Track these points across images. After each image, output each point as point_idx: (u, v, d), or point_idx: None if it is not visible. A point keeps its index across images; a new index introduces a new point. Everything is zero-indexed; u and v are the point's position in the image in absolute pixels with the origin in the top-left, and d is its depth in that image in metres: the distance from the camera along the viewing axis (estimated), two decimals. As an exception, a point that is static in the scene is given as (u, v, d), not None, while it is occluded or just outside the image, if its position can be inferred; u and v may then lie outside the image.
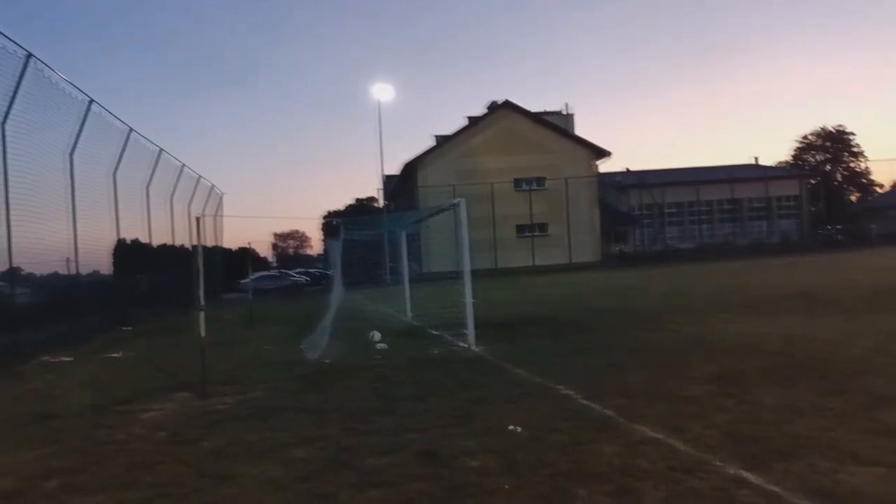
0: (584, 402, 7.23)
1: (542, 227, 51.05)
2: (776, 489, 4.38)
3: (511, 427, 6.29)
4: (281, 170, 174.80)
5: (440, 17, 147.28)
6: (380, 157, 61.16)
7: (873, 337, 10.19)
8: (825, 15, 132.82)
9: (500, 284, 30.01)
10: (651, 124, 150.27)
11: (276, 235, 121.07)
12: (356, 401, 8.13)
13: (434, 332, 14.05)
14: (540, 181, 51.23)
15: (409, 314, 17.07)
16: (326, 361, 11.26)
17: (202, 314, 9.57)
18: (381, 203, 66.61)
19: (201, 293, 9.94)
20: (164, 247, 27.14)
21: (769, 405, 6.60)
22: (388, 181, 56.73)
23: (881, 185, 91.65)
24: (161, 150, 26.74)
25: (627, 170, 68.35)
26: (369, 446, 6.06)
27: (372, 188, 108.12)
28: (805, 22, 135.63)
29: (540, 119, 52.93)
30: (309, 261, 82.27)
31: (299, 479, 5.29)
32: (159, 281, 26.08)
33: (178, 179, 29.80)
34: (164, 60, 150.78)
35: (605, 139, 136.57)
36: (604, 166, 54.81)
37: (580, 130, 58.24)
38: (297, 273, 52.65)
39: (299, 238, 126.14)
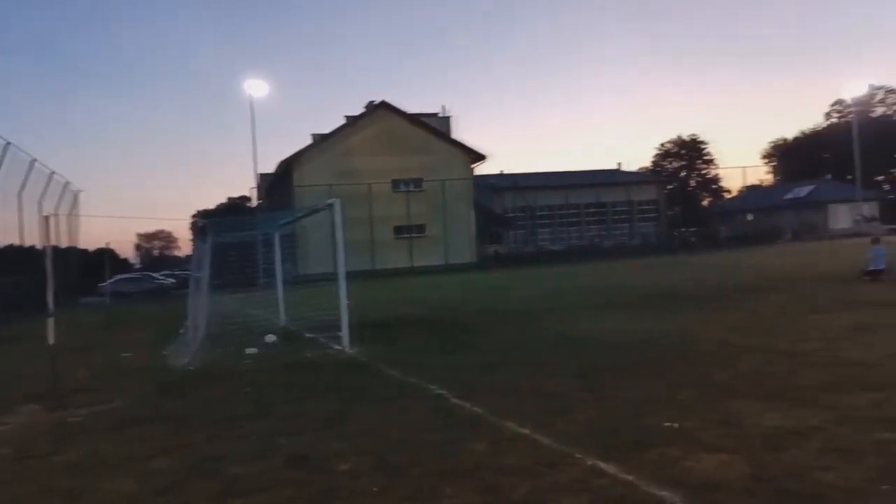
0: (456, 401, 7.34)
1: (420, 228, 51.40)
2: (630, 478, 4.63)
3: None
4: (151, 168, 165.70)
5: (316, 16, 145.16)
6: (253, 154, 59.22)
7: (721, 332, 11.02)
8: (687, 32, 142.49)
9: (377, 286, 29.96)
10: (526, 128, 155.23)
11: (141, 236, 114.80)
12: (224, 407, 7.85)
13: (309, 336, 13.81)
14: (418, 182, 51.55)
15: (283, 317, 16.68)
16: (192, 368, 10.79)
17: (51, 320, 8.91)
18: (255, 202, 64.68)
19: (51, 297, 9.25)
20: (11, 248, 25.02)
21: (628, 398, 6.97)
22: (264, 180, 55.15)
23: (730, 191, 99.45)
24: (8, 143, 24.67)
25: (502, 172, 70.22)
26: (237, 453, 5.87)
27: (246, 187, 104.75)
28: (668, 35, 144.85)
29: (417, 121, 53.27)
30: (176, 262, 78.54)
31: (157, 491, 5.04)
32: (5, 284, 24.02)
33: (27, 175, 27.57)
34: (23, 52, 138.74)
35: (482, 142, 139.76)
36: (480, 169, 56.03)
37: (460, 133, 59.22)
38: (162, 275, 50.03)
39: (165, 238, 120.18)
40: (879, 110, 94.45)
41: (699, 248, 51.53)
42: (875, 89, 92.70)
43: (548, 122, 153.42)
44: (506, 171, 70.25)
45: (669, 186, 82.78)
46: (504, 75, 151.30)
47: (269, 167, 56.03)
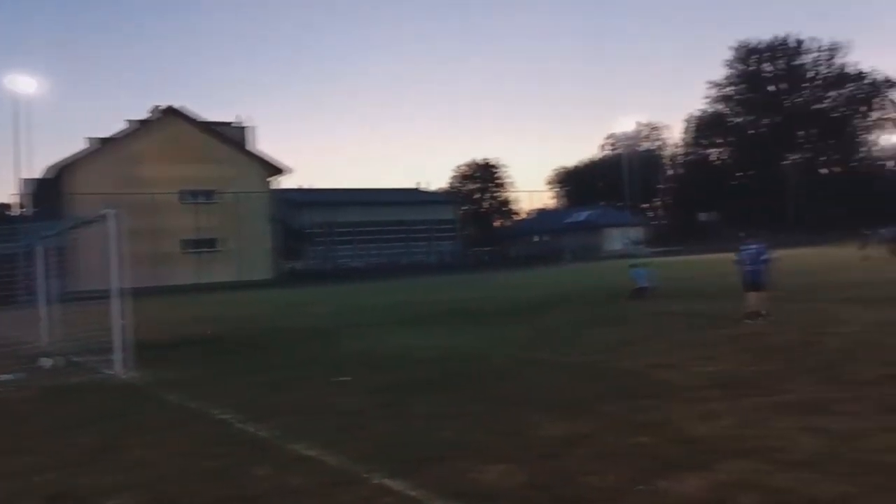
0: (241, 425, 6.94)
1: (211, 242, 48.85)
2: (416, 494, 4.62)
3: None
4: None
5: (100, 14, 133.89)
6: (15, 157, 52.75)
7: (509, 346, 11.57)
8: (487, 66, 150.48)
9: (163, 303, 27.90)
10: (328, 144, 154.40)
11: None
12: (-37, 444, 6.76)
13: (77, 359, 12.43)
14: (209, 194, 49.00)
15: (46, 339, 14.89)
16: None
17: None
18: (19, 210, 57.70)
19: None
20: None
21: (420, 413, 7.02)
22: (32, 186, 49.36)
23: (520, 213, 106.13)
24: None
25: (302, 188, 69.11)
26: (-21, 497, 5.05)
27: (6, 193, 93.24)
28: (471, 60, 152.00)
29: (210, 129, 50.67)
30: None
31: None
32: None
33: None
34: None
35: (284, 156, 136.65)
36: (279, 182, 54.65)
37: (263, 145, 57.30)
38: None
39: None
40: (645, 145, 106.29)
41: (492, 267, 54.25)
42: (642, 126, 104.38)
43: (350, 140, 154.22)
44: (306, 187, 69.32)
45: (465, 207, 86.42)
46: (307, 90, 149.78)
47: (40, 172, 50.40)
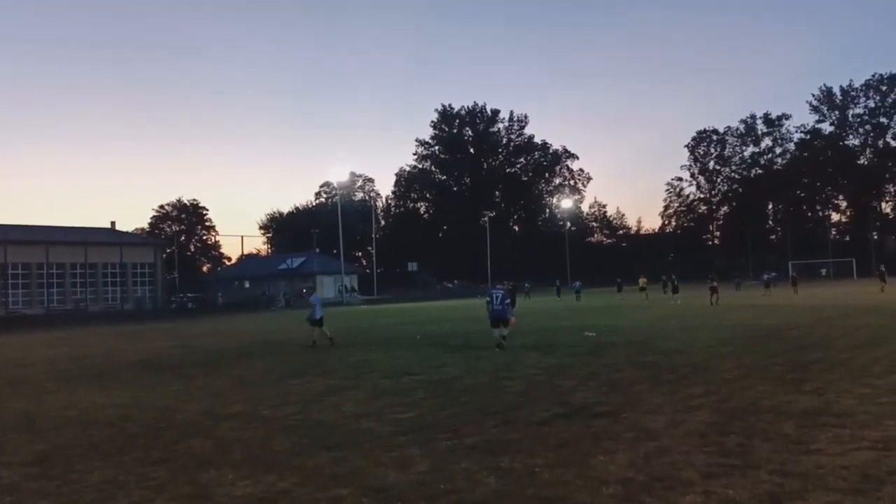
0: None
1: None
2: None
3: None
4: None
5: None
6: None
7: (205, 399, 10.77)
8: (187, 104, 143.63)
9: None
10: (6, 178, 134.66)
11: None
12: None
13: None
14: None
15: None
16: None
17: None
18: None
19: None
20: None
21: (93, 483, 6.19)
22: None
23: (230, 258, 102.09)
24: None
25: (-36, 221, 58.99)
26: None
27: None
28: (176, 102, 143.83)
29: None
30: None
31: None
32: None
33: None
34: None
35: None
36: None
37: None
38: None
39: None
40: (359, 195, 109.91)
41: (198, 314, 51.11)
42: (356, 176, 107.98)
43: (35, 173, 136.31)
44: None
45: (168, 250, 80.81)
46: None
47: None
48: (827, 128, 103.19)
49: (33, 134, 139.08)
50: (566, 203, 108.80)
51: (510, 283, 31.19)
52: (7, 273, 56.55)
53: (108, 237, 66.86)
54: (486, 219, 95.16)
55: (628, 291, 47.97)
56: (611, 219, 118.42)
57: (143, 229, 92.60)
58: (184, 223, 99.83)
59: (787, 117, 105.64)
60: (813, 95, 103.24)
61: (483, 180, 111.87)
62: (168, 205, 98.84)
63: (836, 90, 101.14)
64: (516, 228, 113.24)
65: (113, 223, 73.32)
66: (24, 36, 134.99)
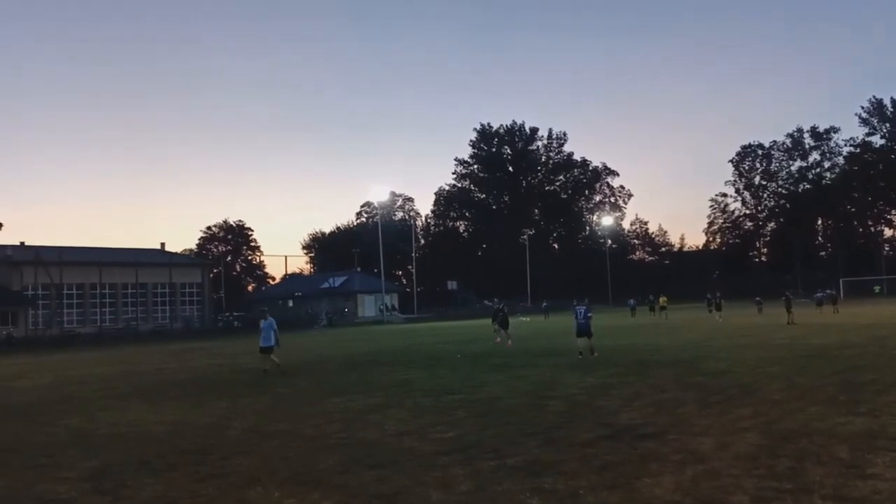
0: None
1: None
2: None
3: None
4: None
5: None
6: None
7: (251, 417, 10.94)
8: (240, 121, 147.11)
9: None
10: (57, 198, 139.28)
11: None
12: None
13: None
14: None
15: None
16: None
17: None
18: None
19: None
20: None
21: (144, 498, 6.33)
22: None
23: (274, 278, 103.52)
24: None
25: (22, 244, 61.18)
26: None
27: None
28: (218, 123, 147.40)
29: None
30: None
31: None
32: None
33: None
34: None
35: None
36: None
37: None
38: None
39: None
40: (399, 214, 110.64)
41: (243, 332, 51.91)
42: (396, 196, 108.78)
43: (83, 195, 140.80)
44: (28, 243, 61.50)
45: (215, 270, 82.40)
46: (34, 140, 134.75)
47: None
48: (878, 140, 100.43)
49: (89, 159, 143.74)
50: (607, 220, 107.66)
51: (500, 302, 30.83)
52: (63, 293, 58.33)
53: (158, 258, 68.54)
54: (525, 237, 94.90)
55: (641, 312, 47.32)
56: (653, 235, 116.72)
57: (191, 250, 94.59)
58: (230, 244, 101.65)
59: (836, 130, 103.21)
60: (862, 108, 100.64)
61: (522, 198, 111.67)
62: (215, 226, 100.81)
63: (887, 101, 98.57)
64: (556, 246, 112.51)
65: (163, 244, 75.45)
66: (82, 59, 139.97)
